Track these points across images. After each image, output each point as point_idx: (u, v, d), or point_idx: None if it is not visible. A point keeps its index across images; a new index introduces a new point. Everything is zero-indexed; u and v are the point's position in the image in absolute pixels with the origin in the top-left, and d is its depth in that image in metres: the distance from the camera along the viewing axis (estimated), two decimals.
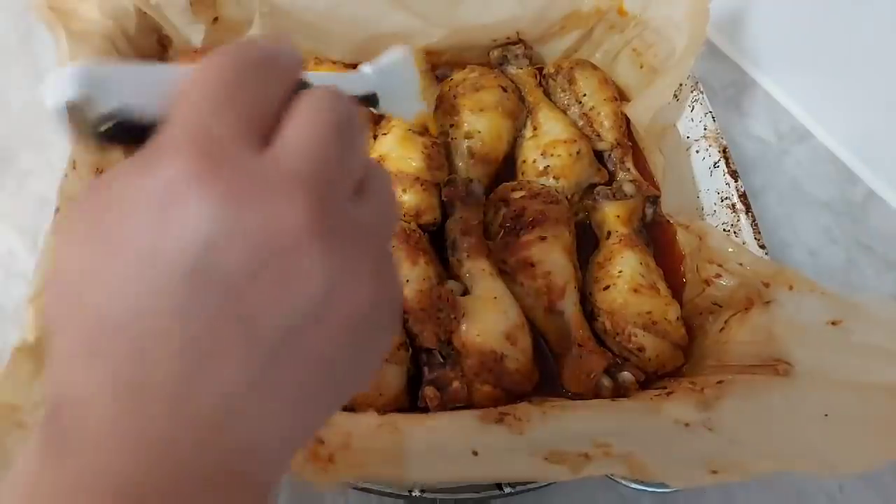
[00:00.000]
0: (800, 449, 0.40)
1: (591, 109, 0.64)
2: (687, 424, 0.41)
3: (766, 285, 0.48)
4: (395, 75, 0.32)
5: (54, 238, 0.20)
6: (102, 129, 0.21)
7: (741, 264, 0.50)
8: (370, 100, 0.31)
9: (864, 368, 0.42)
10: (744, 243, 0.54)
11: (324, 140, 0.21)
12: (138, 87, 0.21)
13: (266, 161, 0.20)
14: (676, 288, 0.56)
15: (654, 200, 0.61)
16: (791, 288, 0.46)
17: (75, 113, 0.20)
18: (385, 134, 0.59)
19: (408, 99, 0.35)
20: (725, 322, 0.51)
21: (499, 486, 0.43)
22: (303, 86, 0.23)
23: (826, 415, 0.40)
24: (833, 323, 0.44)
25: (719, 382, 0.43)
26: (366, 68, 0.32)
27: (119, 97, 0.21)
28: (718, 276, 0.52)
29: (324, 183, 0.20)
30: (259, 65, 0.22)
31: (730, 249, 0.51)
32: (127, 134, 0.21)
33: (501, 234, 0.55)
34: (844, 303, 0.44)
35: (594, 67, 0.67)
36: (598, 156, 0.64)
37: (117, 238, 0.19)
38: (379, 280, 0.21)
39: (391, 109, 0.32)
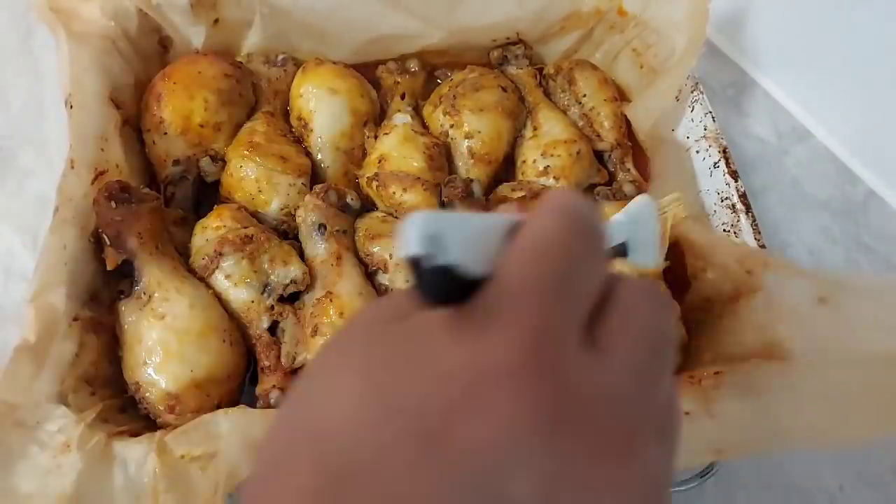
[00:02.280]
0: (802, 428, 0.40)
1: (591, 110, 0.64)
2: (687, 413, 0.41)
3: (749, 273, 0.48)
4: (642, 224, 0.31)
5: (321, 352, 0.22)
6: (435, 282, 0.19)
7: (722, 256, 0.50)
8: (621, 249, 0.29)
9: (856, 339, 0.42)
10: (744, 243, 0.54)
11: (651, 366, 0.18)
12: (470, 240, 0.20)
13: (597, 374, 0.17)
14: (676, 288, 0.56)
15: None
16: (774, 272, 0.46)
17: (415, 265, 0.19)
18: (386, 134, 0.59)
19: (650, 249, 0.33)
20: (718, 315, 0.51)
21: None
22: None
23: (825, 392, 0.41)
24: (821, 300, 0.44)
25: (717, 373, 0.43)
26: (619, 216, 0.31)
27: (455, 252, 0.19)
28: (704, 270, 0.52)
29: (642, 421, 0.18)
30: (589, 242, 0.19)
31: (711, 243, 0.51)
32: (453, 289, 0.19)
33: None
34: (827, 280, 0.44)
35: (594, 68, 0.67)
36: (599, 156, 0.64)
37: (396, 397, 0.17)
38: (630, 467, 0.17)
39: (635, 259, 0.30)
